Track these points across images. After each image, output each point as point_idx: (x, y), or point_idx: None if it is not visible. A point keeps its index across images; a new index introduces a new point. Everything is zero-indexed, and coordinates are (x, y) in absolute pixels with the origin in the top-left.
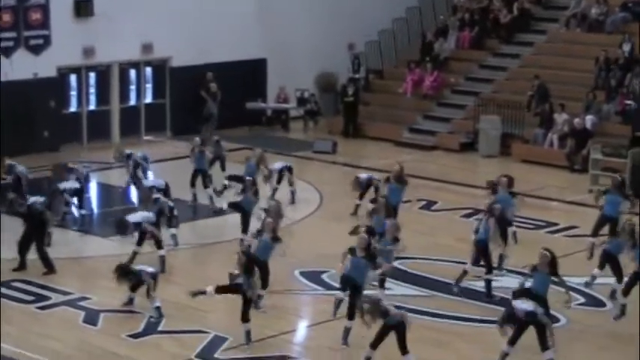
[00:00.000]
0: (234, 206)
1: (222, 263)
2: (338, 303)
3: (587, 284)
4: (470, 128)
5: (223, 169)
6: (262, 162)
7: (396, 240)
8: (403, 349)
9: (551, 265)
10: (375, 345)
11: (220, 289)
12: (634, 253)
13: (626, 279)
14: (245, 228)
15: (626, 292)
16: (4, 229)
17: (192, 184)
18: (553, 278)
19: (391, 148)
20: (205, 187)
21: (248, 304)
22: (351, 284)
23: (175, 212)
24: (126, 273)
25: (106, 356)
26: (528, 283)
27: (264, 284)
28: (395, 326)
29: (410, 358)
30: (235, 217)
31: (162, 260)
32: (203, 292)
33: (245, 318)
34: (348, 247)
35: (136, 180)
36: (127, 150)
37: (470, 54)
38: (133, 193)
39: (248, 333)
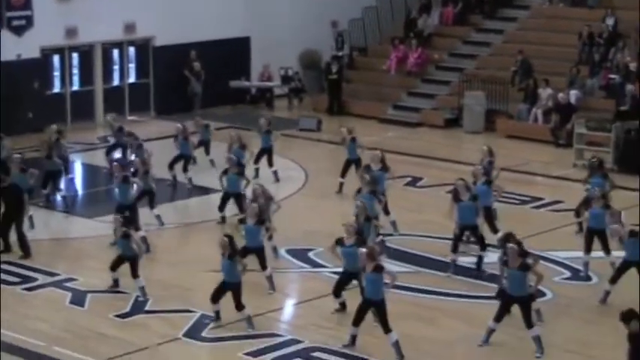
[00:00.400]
0: (225, 198)
1: (206, 242)
2: (342, 306)
3: (586, 268)
4: (454, 104)
5: (207, 153)
6: (241, 143)
7: (367, 219)
8: (385, 327)
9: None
10: (356, 322)
11: (214, 297)
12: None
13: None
14: (240, 209)
15: (613, 280)
16: None
17: (171, 167)
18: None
19: (376, 125)
20: (185, 171)
21: (237, 295)
22: (351, 274)
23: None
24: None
25: (93, 337)
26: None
27: (263, 266)
28: (375, 303)
29: (393, 337)
30: (217, 197)
31: (145, 240)
32: (217, 312)
33: (239, 307)
34: (334, 240)
35: (136, 152)
36: (118, 123)
37: (453, 30)
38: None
39: (249, 319)
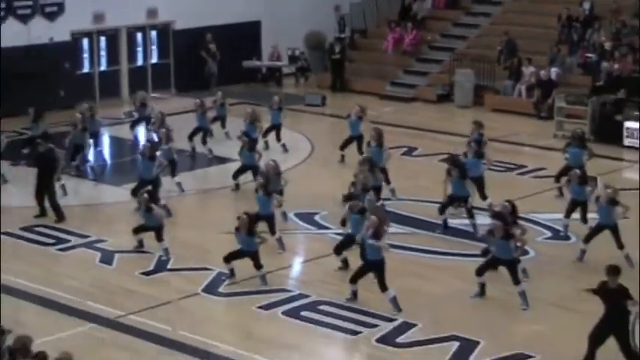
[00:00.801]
0: (242, 169)
1: (223, 207)
2: (345, 263)
3: (565, 229)
4: (446, 81)
5: (223, 126)
6: (255, 119)
7: (351, 199)
8: (382, 287)
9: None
10: (354, 280)
11: (227, 259)
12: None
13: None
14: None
15: (586, 239)
16: (20, 179)
17: (190, 139)
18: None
19: (375, 101)
20: (204, 143)
21: (256, 259)
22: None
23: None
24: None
25: (120, 292)
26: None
27: (272, 231)
28: (374, 264)
29: (390, 294)
30: (233, 165)
31: (166, 207)
32: (231, 271)
33: (258, 266)
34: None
35: (159, 126)
36: (143, 101)
37: (445, 13)
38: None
39: (263, 277)
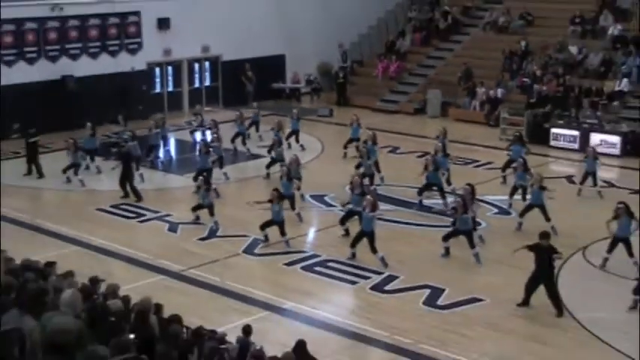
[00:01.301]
0: (271, 163)
1: (257, 191)
2: (346, 232)
3: (510, 206)
4: (421, 98)
5: (257, 130)
6: (281, 127)
7: (358, 192)
8: (373, 250)
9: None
10: (353, 245)
11: (262, 227)
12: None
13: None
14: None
15: (521, 215)
16: (110, 170)
17: (233, 141)
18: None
19: (369, 113)
20: (244, 144)
21: (282, 227)
22: (353, 212)
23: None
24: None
25: (183, 252)
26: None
27: (293, 207)
28: (367, 233)
29: (379, 255)
30: (265, 160)
31: (216, 190)
32: (265, 236)
33: (283, 234)
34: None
35: (214, 131)
36: (200, 112)
37: (420, 49)
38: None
39: (287, 242)
